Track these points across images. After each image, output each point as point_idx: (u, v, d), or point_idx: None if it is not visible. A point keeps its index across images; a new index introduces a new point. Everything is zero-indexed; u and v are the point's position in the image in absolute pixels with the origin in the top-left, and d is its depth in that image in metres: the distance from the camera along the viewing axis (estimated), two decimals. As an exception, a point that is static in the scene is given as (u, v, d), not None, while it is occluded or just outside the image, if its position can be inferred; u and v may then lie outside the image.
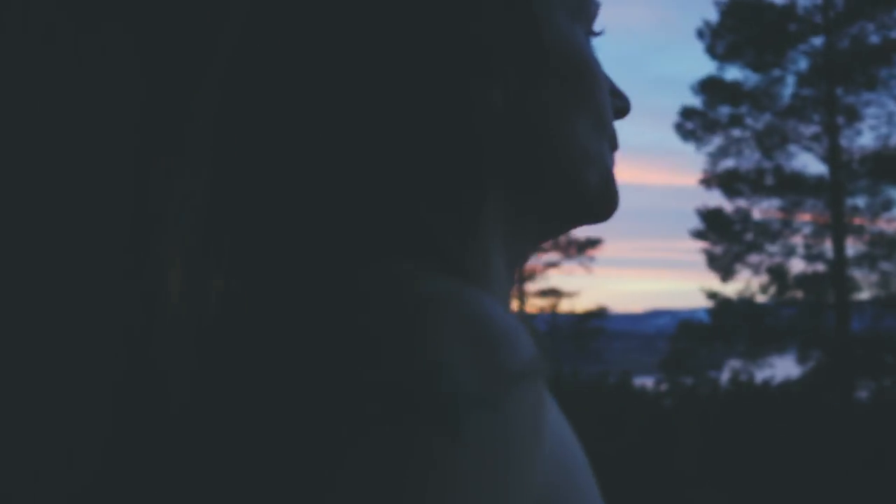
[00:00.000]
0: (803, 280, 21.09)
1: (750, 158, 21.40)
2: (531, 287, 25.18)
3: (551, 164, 0.87)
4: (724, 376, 21.16)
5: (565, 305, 25.49)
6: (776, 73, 21.10)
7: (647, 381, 22.74)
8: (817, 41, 20.81)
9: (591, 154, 0.89)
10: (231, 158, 0.82)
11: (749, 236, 21.46)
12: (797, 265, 21.35)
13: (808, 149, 21.03)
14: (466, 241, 0.80)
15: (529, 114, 0.85)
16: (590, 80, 0.89)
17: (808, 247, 21.24)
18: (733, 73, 21.54)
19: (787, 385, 19.87)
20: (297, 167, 0.80)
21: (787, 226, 21.41)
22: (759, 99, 21.18)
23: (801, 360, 20.40)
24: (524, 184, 0.87)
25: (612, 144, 0.94)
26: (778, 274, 21.27)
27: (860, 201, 20.81)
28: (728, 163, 21.50)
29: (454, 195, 0.80)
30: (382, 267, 0.74)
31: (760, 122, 21.29)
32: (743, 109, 21.32)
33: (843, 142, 20.69)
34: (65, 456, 1.42)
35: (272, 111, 0.81)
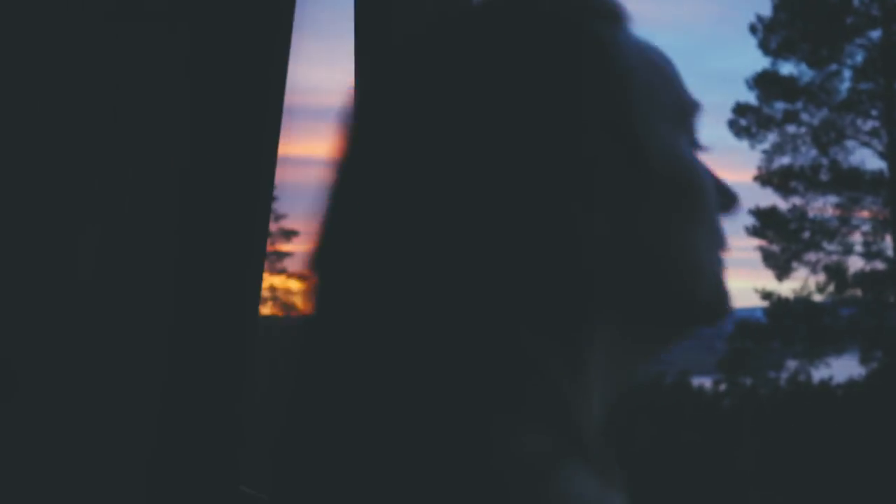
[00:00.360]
0: (862, 278, 20.84)
1: (806, 155, 21.20)
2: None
3: (662, 282, 0.84)
4: (784, 376, 20.97)
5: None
6: (832, 67, 20.88)
7: (705, 381, 22.58)
8: (874, 34, 20.58)
9: (703, 266, 0.86)
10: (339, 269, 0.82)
11: (806, 234, 21.25)
12: (856, 263, 21.14)
13: (866, 144, 20.78)
14: (571, 375, 0.77)
15: (637, 233, 0.82)
16: (697, 190, 0.86)
17: (866, 244, 21.00)
18: (788, 69, 21.38)
19: (848, 385, 19.63)
20: (402, 286, 0.78)
21: (845, 223, 21.18)
22: (814, 94, 20.96)
23: (864, 360, 20.16)
24: (633, 305, 0.83)
25: (722, 247, 0.89)
26: (836, 272, 21.04)
27: (920, 197, 20.54)
28: (783, 160, 21.33)
29: (560, 325, 0.77)
30: (513, 446, 0.71)
31: (816, 117, 21.08)
32: (798, 105, 21.12)
33: (902, 136, 20.42)
34: (118, 452, 1.43)
35: (374, 225, 0.80)
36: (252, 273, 1.49)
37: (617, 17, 0.87)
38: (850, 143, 20.90)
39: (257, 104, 1.43)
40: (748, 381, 21.03)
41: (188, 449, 1.44)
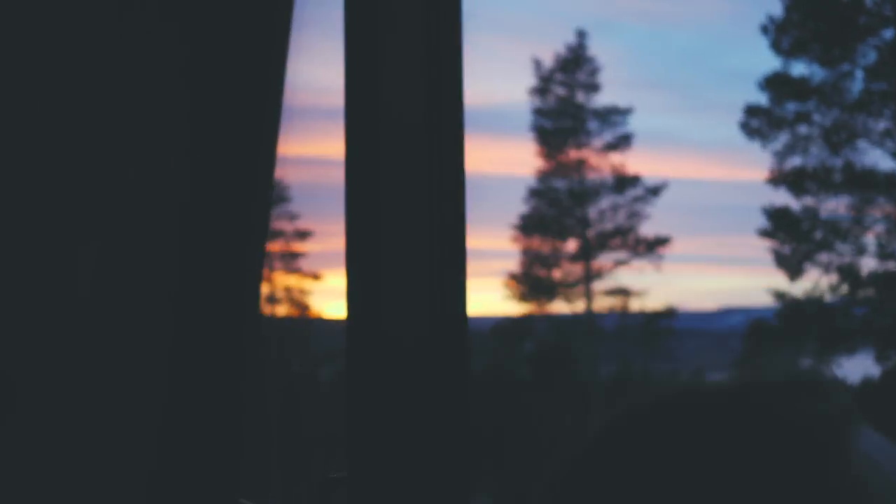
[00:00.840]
0: (876, 279, 20.76)
1: (817, 156, 21.12)
2: (599, 286, 25.04)
3: None
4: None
5: (635, 304, 25.20)
6: (845, 67, 20.80)
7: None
8: (887, 34, 20.49)
9: None
10: None
11: (818, 235, 21.17)
12: (868, 263, 21.04)
13: (879, 144, 20.70)
14: None
15: None
16: None
17: (880, 245, 20.92)
18: (800, 69, 21.25)
19: (863, 385, 19.57)
20: None
21: (858, 223, 21.09)
22: (826, 94, 20.88)
23: (880, 359, 20.09)
24: None
25: None
26: (848, 273, 20.95)
27: (933, 197, 20.46)
28: (795, 160, 21.26)
29: None
30: None
31: (828, 118, 21.00)
32: (810, 105, 21.04)
33: (915, 136, 20.32)
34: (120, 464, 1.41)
35: None
36: (250, 282, 1.47)
37: (851, 419, 0.80)
38: (862, 144, 20.84)
39: (254, 103, 1.40)
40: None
41: (189, 462, 1.43)
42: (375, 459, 1.22)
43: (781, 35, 20.88)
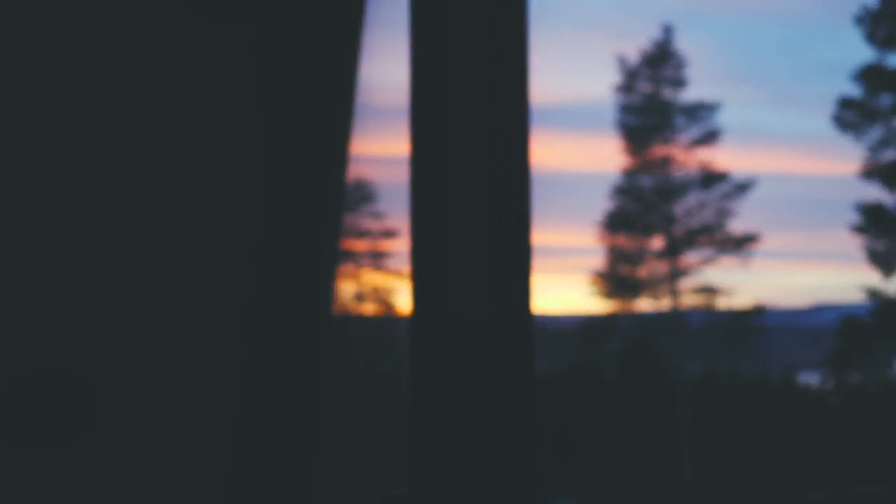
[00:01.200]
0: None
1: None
2: (686, 284, 24.80)
3: None
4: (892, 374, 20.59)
5: (723, 301, 24.91)
6: (941, 58, 20.40)
7: (812, 378, 22.23)
8: (985, 23, 20.04)
9: None
10: None
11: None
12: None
13: (977, 136, 20.25)
14: None
15: None
16: None
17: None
18: (895, 60, 20.89)
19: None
20: None
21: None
22: (923, 86, 20.51)
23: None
24: None
25: None
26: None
27: None
28: (889, 154, 20.88)
29: None
30: None
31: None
32: (906, 97, 20.67)
33: None
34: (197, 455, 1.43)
35: None
36: (323, 282, 1.48)
37: None
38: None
39: (327, 102, 1.42)
40: (855, 378, 20.64)
41: (264, 465, 1.45)
42: (441, 472, 1.17)
43: (876, 26, 20.52)
